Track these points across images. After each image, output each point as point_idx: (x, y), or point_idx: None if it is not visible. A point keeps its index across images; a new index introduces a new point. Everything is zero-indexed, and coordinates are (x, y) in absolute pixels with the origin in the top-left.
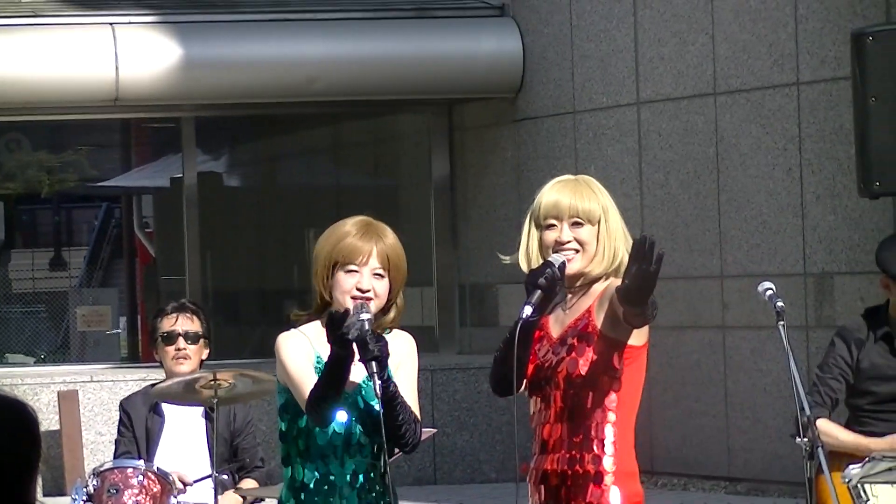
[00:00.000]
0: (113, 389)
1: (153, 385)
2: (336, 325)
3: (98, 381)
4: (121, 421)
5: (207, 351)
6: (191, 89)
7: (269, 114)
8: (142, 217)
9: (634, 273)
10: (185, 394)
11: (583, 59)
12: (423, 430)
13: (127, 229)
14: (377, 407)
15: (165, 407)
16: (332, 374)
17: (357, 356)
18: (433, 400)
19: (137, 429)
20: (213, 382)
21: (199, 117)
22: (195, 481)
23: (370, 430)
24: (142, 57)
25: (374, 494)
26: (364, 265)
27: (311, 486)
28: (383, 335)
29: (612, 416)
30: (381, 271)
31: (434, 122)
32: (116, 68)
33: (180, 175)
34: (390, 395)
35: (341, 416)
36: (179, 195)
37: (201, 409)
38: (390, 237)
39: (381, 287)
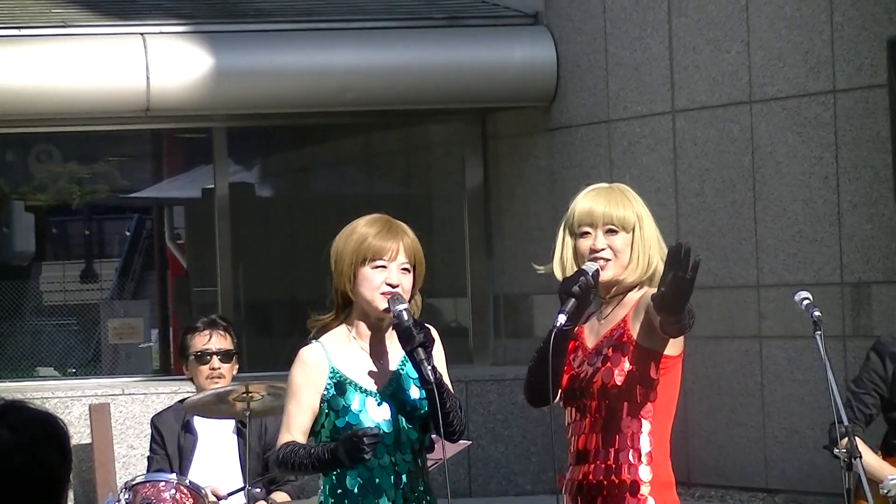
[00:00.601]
0: (145, 402)
1: (183, 400)
2: (356, 449)
3: (130, 395)
4: (153, 439)
5: (237, 367)
6: (222, 99)
7: (300, 124)
8: (173, 228)
9: (670, 281)
10: (218, 407)
11: (617, 68)
12: (460, 441)
13: (158, 241)
14: (416, 398)
15: (197, 424)
16: (317, 467)
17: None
18: (467, 412)
19: (169, 446)
20: (245, 395)
21: (231, 127)
22: (229, 494)
23: (411, 426)
24: (173, 67)
25: (416, 494)
26: (392, 260)
27: (356, 490)
28: (423, 323)
29: (647, 426)
30: (408, 266)
31: (467, 131)
32: (147, 78)
33: (212, 186)
34: (437, 380)
35: (383, 414)
36: (211, 206)
37: (233, 425)
38: (411, 233)
39: (408, 282)
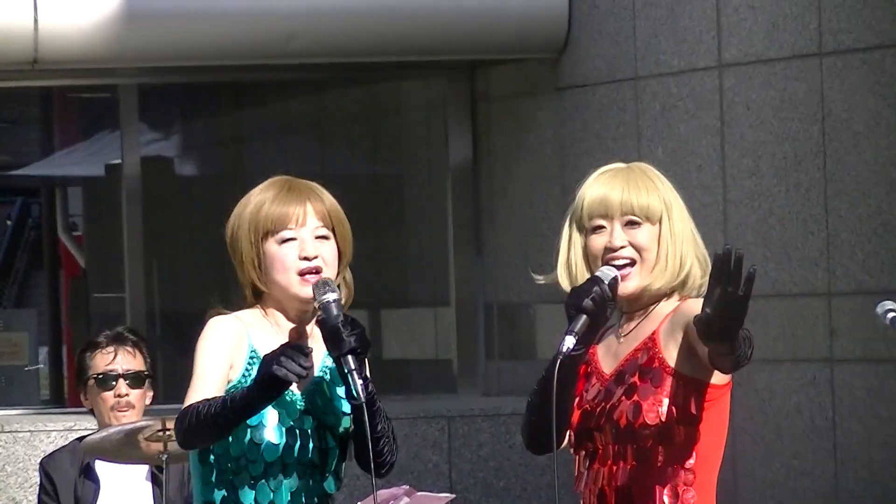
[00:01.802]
0: (31, 442)
1: (82, 438)
2: (278, 358)
3: (11, 432)
4: (42, 488)
5: (152, 394)
6: (132, 48)
7: (233, 80)
8: (68, 216)
9: (717, 300)
10: (126, 449)
11: (647, 8)
12: (438, 495)
13: (49, 232)
14: (340, 412)
15: (100, 469)
16: (227, 415)
17: (330, 351)
18: (450, 456)
19: (63, 497)
20: (161, 434)
21: (144, 84)
22: None
23: (331, 447)
24: (68, 5)
25: None
26: (301, 226)
27: None
28: (357, 320)
29: (690, 477)
30: (324, 231)
31: (451, 92)
32: (35, 20)
33: (118, 160)
34: (370, 396)
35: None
36: (117, 186)
37: (146, 470)
38: (324, 193)
39: (329, 252)
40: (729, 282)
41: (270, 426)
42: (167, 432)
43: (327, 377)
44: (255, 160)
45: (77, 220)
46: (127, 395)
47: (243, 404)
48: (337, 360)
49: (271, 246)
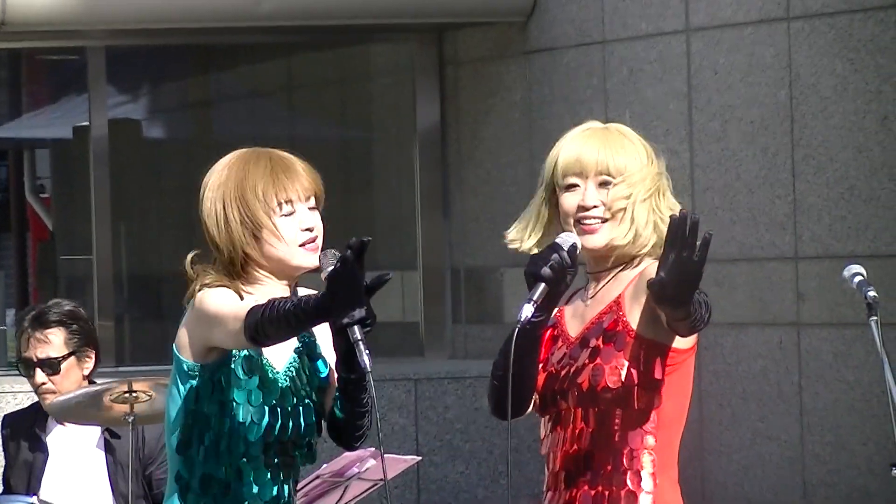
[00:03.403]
0: None
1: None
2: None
3: None
4: (4, 446)
5: (92, 361)
6: (100, 10)
7: (202, 43)
8: (35, 178)
9: (671, 263)
10: (91, 411)
11: None
12: (404, 457)
13: (16, 194)
14: (316, 386)
15: (50, 439)
16: (300, 313)
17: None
18: (417, 419)
19: (15, 461)
20: (128, 395)
21: (112, 47)
22: None
23: (308, 425)
24: None
25: None
26: (300, 201)
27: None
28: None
29: (650, 441)
30: (313, 203)
31: (419, 55)
32: None
33: (86, 123)
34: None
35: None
36: (85, 149)
37: (97, 438)
38: (307, 165)
39: (320, 223)
40: (684, 246)
41: (255, 405)
42: (133, 394)
43: (304, 351)
44: (223, 123)
45: (45, 183)
46: (44, 383)
47: (304, 313)
48: (341, 329)
49: (272, 219)
